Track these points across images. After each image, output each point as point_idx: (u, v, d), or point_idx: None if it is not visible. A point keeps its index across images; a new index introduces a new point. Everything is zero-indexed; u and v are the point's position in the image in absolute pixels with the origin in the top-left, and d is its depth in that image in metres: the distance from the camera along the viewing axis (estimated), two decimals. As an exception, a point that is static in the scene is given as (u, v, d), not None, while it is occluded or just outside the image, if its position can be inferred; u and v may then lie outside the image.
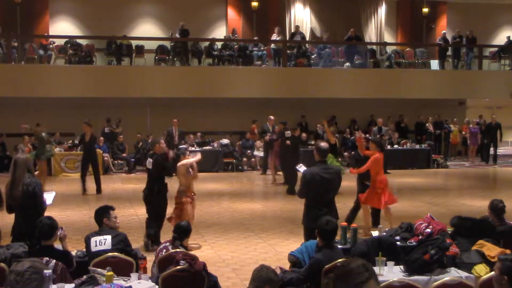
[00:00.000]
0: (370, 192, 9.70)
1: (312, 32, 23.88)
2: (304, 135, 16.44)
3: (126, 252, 6.03)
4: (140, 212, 12.18)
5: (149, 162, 9.36)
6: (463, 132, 22.51)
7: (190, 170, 9.39)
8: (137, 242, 8.91)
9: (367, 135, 15.04)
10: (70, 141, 18.62)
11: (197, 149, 18.32)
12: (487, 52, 23.96)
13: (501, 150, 24.21)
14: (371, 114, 22.09)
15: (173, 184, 9.64)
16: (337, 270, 2.68)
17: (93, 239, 6.11)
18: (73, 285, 5.16)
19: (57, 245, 5.97)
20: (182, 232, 6.77)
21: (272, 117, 17.58)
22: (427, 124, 22.11)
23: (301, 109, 21.64)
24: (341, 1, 23.90)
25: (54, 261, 5.36)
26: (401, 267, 5.88)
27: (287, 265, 6.32)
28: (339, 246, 6.52)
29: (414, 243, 6.63)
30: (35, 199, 6.70)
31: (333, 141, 14.83)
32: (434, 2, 24.91)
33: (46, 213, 6.62)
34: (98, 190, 14.64)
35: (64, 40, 20.68)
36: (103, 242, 6.06)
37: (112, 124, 19.52)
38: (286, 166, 15.04)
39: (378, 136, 19.03)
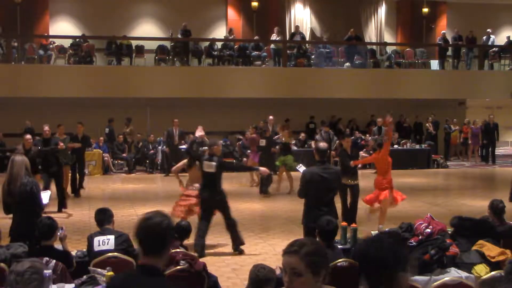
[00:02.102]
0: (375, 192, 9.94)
1: (312, 32, 23.89)
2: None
3: (129, 253, 6.03)
4: (140, 212, 12.18)
5: (211, 165, 8.90)
6: (464, 132, 22.54)
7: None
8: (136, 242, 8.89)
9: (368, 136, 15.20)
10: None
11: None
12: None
13: (501, 150, 24.21)
14: (371, 114, 22.09)
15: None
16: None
17: (96, 239, 6.12)
18: (73, 285, 5.16)
19: (57, 245, 5.97)
20: (182, 232, 6.76)
21: (271, 117, 17.59)
22: (427, 124, 22.12)
23: (301, 109, 21.64)
24: (341, 1, 23.90)
25: (54, 261, 5.35)
26: (401, 267, 5.87)
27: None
28: (339, 246, 6.52)
29: (414, 243, 6.62)
30: (33, 199, 6.67)
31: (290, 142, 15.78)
32: (434, 2, 24.91)
33: (46, 213, 6.61)
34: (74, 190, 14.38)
35: (65, 40, 20.68)
36: (106, 242, 6.07)
37: (111, 125, 19.49)
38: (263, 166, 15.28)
39: (377, 136, 19.07)
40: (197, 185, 9.30)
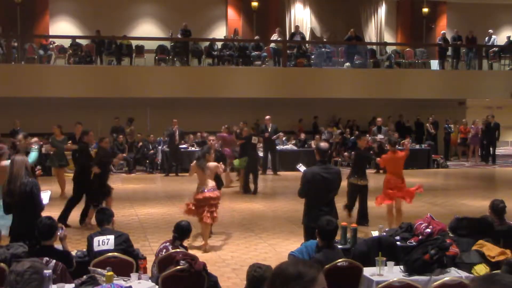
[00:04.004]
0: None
1: (312, 32, 23.89)
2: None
3: (128, 253, 6.03)
4: (140, 212, 12.19)
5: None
6: (464, 132, 22.54)
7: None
8: (136, 242, 8.90)
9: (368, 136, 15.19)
10: (70, 142, 18.60)
11: (197, 149, 18.33)
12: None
13: (501, 150, 24.19)
14: (371, 115, 22.08)
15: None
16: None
17: (96, 239, 6.13)
18: (73, 285, 5.16)
19: (57, 245, 5.97)
20: (182, 232, 6.76)
21: (268, 117, 17.64)
22: (427, 125, 22.11)
23: (300, 109, 21.64)
24: (341, 1, 23.90)
25: (54, 261, 5.35)
26: (401, 267, 5.88)
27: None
28: (339, 246, 6.52)
29: (414, 243, 6.63)
30: (32, 199, 6.66)
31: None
32: (434, 2, 24.91)
33: (47, 213, 6.61)
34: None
35: (65, 40, 20.68)
36: (106, 242, 6.07)
37: (117, 122, 19.52)
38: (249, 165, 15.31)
39: (377, 135, 19.07)
40: (212, 183, 9.23)
